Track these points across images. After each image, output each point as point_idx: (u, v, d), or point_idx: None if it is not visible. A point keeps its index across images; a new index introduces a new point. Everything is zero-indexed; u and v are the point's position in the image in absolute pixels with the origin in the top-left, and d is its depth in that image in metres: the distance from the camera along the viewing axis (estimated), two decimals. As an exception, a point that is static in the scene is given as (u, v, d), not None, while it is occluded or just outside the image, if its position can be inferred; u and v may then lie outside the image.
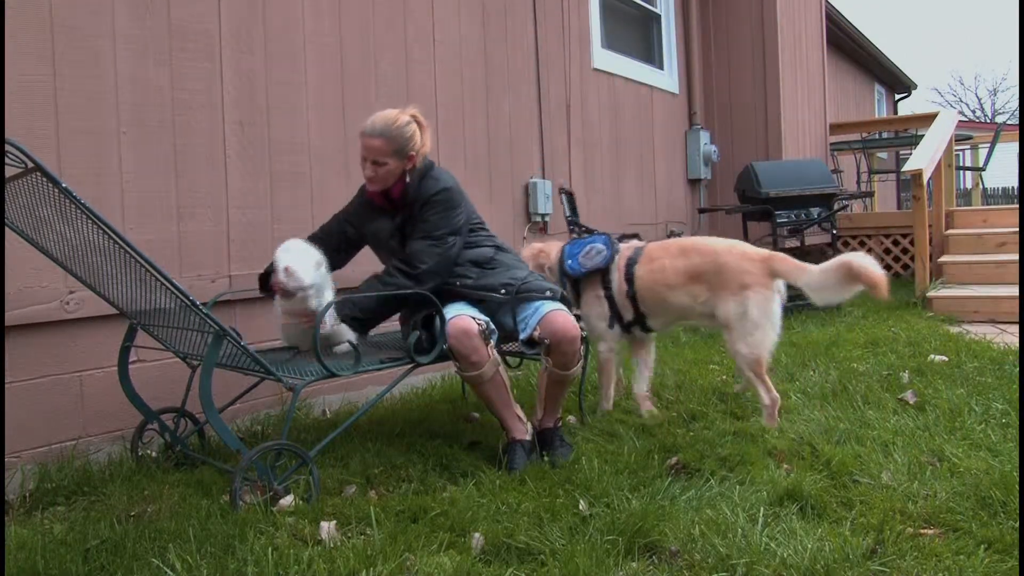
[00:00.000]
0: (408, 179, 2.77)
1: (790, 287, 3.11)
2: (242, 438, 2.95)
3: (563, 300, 2.84)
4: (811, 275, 2.98)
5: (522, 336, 2.74)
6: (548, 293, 2.80)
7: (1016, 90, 35.58)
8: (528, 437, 2.76)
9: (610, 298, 3.22)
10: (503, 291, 2.79)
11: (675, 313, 3.21)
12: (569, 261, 3.25)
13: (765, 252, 3.10)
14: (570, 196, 4.83)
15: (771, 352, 3.07)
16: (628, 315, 3.24)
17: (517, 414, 2.78)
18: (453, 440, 2.95)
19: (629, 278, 3.19)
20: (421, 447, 2.86)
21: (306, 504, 2.30)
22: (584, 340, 2.77)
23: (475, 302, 2.84)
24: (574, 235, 4.51)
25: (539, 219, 5.00)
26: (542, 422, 2.86)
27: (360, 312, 2.69)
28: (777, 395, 3.04)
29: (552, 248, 3.39)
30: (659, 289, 3.14)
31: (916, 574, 1.87)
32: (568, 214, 4.77)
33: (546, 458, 2.71)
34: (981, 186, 11.82)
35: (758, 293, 2.99)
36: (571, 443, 2.85)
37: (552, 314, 2.70)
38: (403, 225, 2.83)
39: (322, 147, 3.63)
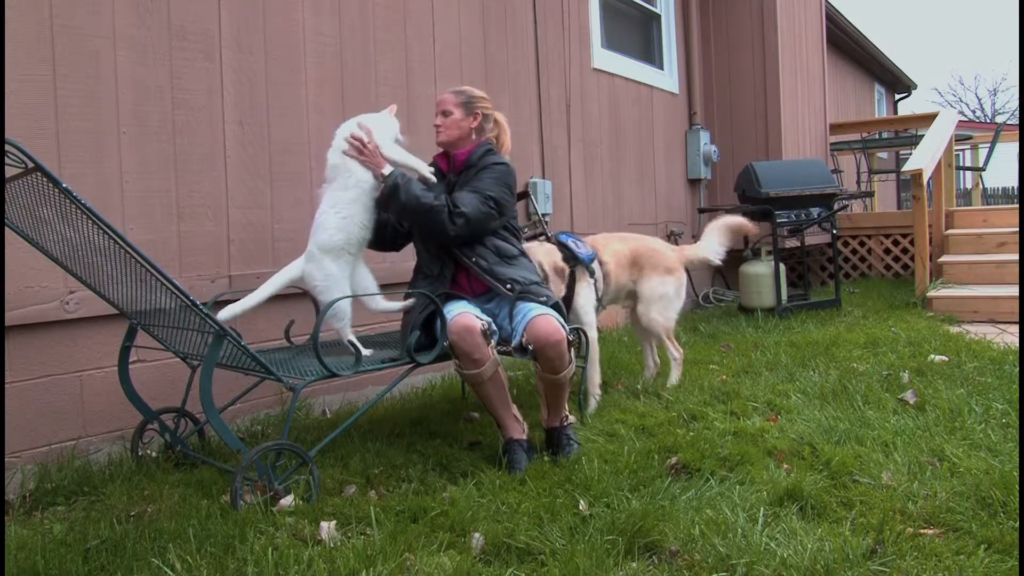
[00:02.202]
0: (475, 138, 2.94)
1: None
2: (242, 438, 2.95)
3: (556, 308, 2.82)
4: (705, 245, 3.86)
5: (513, 343, 2.74)
6: (543, 299, 2.80)
7: (1016, 90, 35.59)
8: (525, 437, 2.76)
9: (594, 283, 3.47)
10: (508, 286, 2.80)
11: (619, 293, 3.69)
12: (577, 250, 3.40)
13: (677, 246, 3.90)
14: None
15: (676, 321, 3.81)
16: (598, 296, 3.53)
17: (515, 414, 2.78)
18: (453, 440, 2.95)
19: (599, 263, 3.55)
20: (421, 447, 2.86)
21: (306, 504, 2.30)
22: (571, 344, 2.74)
23: (477, 303, 2.86)
24: (539, 230, 4.47)
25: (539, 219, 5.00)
26: (548, 421, 2.87)
27: (402, 193, 2.69)
28: (683, 351, 3.81)
29: (538, 245, 3.44)
30: (619, 272, 3.61)
31: (916, 574, 1.87)
32: (537, 211, 4.79)
33: (546, 457, 2.72)
34: (981, 186, 11.82)
35: (677, 278, 3.73)
36: (579, 441, 2.86)
37: (536, 319, 2.68)
38: (453, 188, 2.88)
39: (322, 147, 3.61)
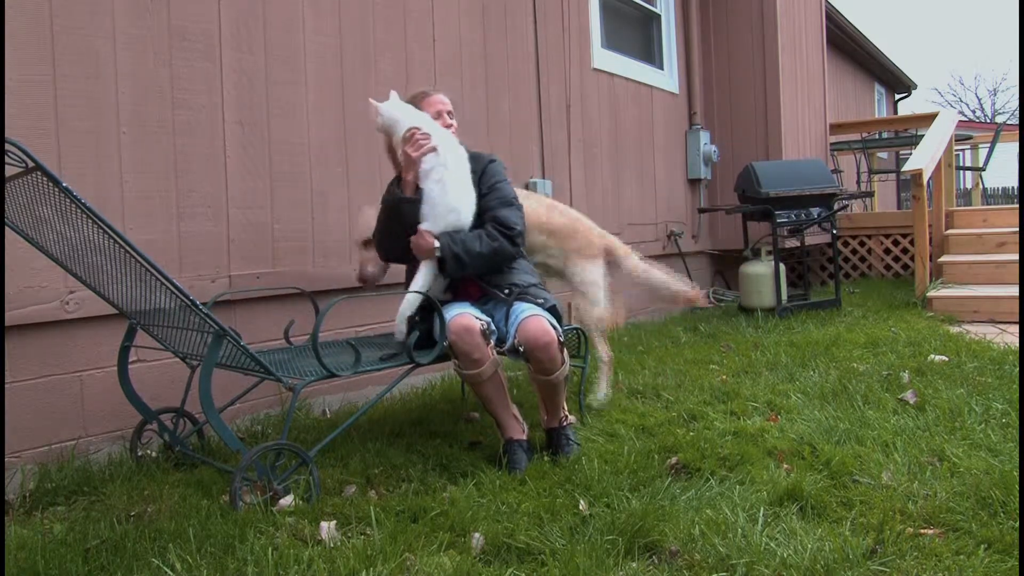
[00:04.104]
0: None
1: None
2: (242, 438, 2.95)
3: (552, 311, 2.81)
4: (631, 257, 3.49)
5: (507, 345, 2.73)
6: (541, 301, 2.80)
7: (1016, 90, 35.58)
8: (524, 437, 2.76)
9: None
10: (506, 291, 2.81)
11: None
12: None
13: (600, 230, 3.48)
14: None
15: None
16: None
17: (514, 414, 2.78)
18: (453, 440, 2.95)
19: None
20: (421, 447, 2.86)
21: (306, 504, 2.30)
22: (563, 345, 2.73)
23: (478, 304, 2.86)
24: None
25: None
26: (547, 423, 2.87)
27: (464, 253, 2.70)
28: (612, 354, 3.43)
29: None
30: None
31: (916, 574, 1.87)
32: None
33: (546, 457, 2.72)
34: (981, 186, 11.81)
35: (602, 263, 3.35)
36: (579, 441, 2.86)
37: (527, 320, 2.67)
38: None
39: (322, 147, 3.63)
